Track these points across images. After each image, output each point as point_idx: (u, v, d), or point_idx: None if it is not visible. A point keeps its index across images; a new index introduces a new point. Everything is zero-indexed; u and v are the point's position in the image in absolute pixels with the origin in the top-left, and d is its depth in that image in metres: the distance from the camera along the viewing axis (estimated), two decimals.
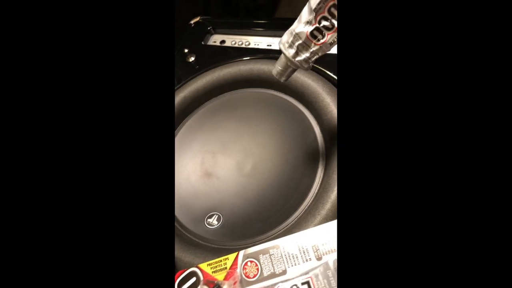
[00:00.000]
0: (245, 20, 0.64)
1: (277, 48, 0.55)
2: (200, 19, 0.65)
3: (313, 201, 0.38)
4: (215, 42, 0.61)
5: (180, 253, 0.38)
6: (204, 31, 0.63)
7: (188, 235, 0.41)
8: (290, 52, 0.29)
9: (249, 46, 0.57)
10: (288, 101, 0.49)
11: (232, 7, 1.13)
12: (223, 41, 0.61)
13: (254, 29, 0.60)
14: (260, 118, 0.48)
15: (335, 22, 0.26)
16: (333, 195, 0.36)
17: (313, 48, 0.28)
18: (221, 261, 0.35)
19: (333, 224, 0.34)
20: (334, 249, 0.32)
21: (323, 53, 0.29)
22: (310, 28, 0.27)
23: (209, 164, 0.47)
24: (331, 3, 0.26)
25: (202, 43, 0.61)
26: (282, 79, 0.32)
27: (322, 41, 0.27)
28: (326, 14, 0.26)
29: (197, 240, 0.40)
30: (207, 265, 0.35)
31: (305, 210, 0.38)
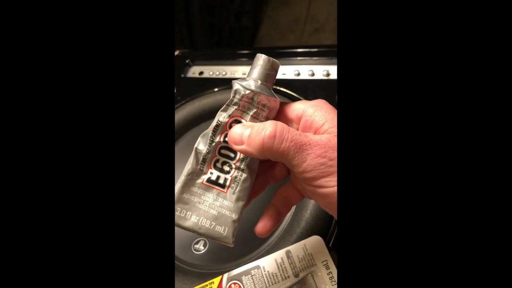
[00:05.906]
0: (221, 51, 0.68)
1: None
2: (179, 52, 0.69)
3: (290, 221, 0.41)
4: (194, 73, 0.65)
5: None
6: (183, 64, 0.66)
7: (176, 262, 0.43)
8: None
9: (226, 76, 0.61)
10: None
11: (216, 30, 1.17)
12: (201, 72, 0.64)
13: (230, 60, 0.64)
14: None
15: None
16: (307, 213, 0.38)
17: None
18: (207, 285, 0.37)
19: (308, 241, 0.36)
20: (310, 265, 0.34)
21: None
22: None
23: None
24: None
25: (182, 75, 0.65)
26: None
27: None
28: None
29: (184, 266, 0.42)
30: None
31: (284, 230, 0.40)
